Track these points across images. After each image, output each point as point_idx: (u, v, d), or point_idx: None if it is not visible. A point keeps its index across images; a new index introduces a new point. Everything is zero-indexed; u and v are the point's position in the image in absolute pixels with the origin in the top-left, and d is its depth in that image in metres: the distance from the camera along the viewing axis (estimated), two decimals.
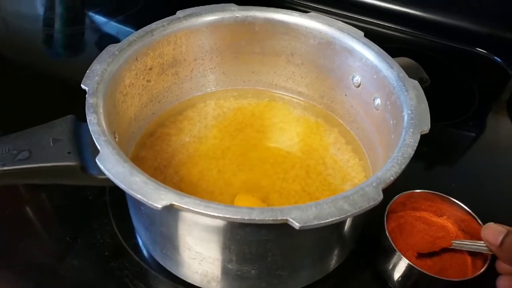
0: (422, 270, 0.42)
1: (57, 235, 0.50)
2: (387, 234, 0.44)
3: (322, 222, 0.31)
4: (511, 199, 0.58)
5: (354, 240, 0.47)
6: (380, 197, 0.34)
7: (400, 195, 0.47)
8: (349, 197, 0.33)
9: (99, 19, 0.83)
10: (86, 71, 0.43)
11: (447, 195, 0.48)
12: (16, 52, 0.77)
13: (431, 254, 0.46)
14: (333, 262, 0.46)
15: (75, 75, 0.43)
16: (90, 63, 0.43)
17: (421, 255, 0.45)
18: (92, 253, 0.48)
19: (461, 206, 0.47)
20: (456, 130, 0.68)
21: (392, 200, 0.46)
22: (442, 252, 0.46)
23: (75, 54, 0.79)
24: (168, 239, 0.41)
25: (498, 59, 0.80)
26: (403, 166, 0.36)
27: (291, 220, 0.31)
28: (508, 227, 0.40)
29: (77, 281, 0.46)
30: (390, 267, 0.45)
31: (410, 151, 0.37)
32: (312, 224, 0.31)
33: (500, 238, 0.40)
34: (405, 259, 0.43)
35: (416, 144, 0.38)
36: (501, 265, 0.42)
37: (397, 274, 0.45)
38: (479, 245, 0.43)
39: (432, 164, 0.62)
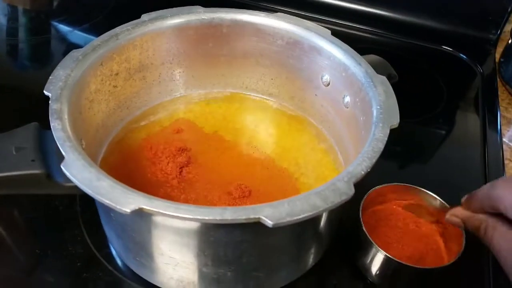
0: (400, 261, 0.42)
1: (26, 248, 0.49)
2: (364, 228, 0.44)
3: (295, 218, 0.31)
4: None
5: (330, 237, 0.47)
6: (351, 191, 0.33)
7: (372, 190, 0.47)
8: (321, 193, 0.33)
9: (64, 28, 0.82)
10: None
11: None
12: None
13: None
14: (311, 260, 0.46)
15: (40, 85, 0.42)
16: None
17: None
18: (64, 264, 0.47)
19: (429, 194, 0.47)
20: (425, 127, 0.69)
21: (366, 195, 0.46)
22: (413, 240, 0.46)
23: (41, 64, 0.77)
24: (140, 245, 0.41)
25: (464, 57, 0.81)
26: (374, 160, 0.36)
27: (263, 218, 0.31)
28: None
29: None
30: (368, 261, 0.45)
31: (380, 145, 0.37)
32: (285, 221, 0.31)
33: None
34: (383, 251, 0.43)
35: (386, 138, 0.38)
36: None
37: (375, 267, 0.45)
38: None
39: (405, 161, 0.63)
